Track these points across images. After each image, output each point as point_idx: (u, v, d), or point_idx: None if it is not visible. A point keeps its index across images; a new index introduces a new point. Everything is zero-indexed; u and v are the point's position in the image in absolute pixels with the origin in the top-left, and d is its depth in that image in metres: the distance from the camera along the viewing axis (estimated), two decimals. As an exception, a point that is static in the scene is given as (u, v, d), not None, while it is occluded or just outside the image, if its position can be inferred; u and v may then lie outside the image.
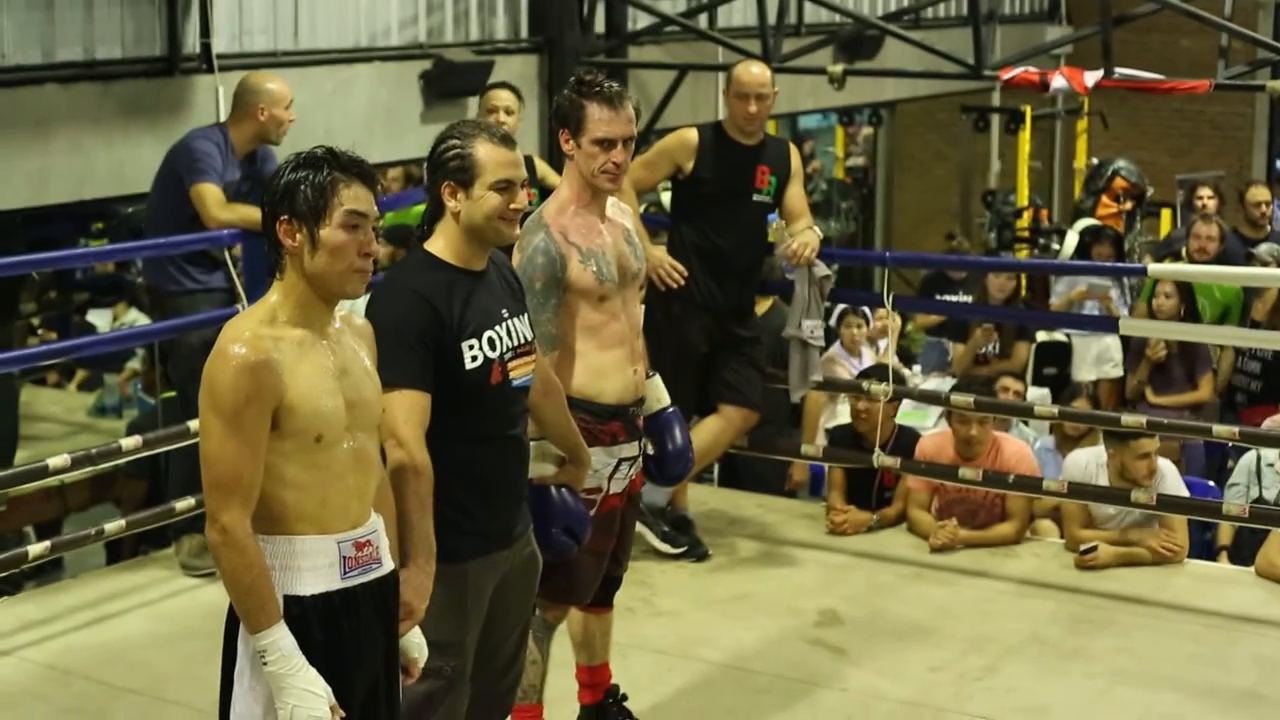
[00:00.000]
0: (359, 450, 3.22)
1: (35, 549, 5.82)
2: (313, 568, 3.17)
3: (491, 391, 3.67)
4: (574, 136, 4.30)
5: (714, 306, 6.23)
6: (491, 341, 3.67)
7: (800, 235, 6.27)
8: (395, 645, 3.37)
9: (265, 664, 3.09)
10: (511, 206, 3.67)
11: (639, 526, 6.20)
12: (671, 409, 4.60)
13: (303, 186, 3.16)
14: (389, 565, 3.32)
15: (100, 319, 10.85)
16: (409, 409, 3.53)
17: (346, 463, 3.20)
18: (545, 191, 6.70)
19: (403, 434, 3.50)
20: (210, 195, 6.11)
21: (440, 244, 3.71)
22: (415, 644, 3.46)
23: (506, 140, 3.72)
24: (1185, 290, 8.30)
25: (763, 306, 7.19)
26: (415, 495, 3.48)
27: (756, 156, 6.24)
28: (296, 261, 3.18)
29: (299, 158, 3.21)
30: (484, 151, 3.67)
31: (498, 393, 3.69)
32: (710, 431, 6.31)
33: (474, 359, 3.64)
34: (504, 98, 6.59)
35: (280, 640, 3.09)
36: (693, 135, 6.23)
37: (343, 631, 3.19)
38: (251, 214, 6.01)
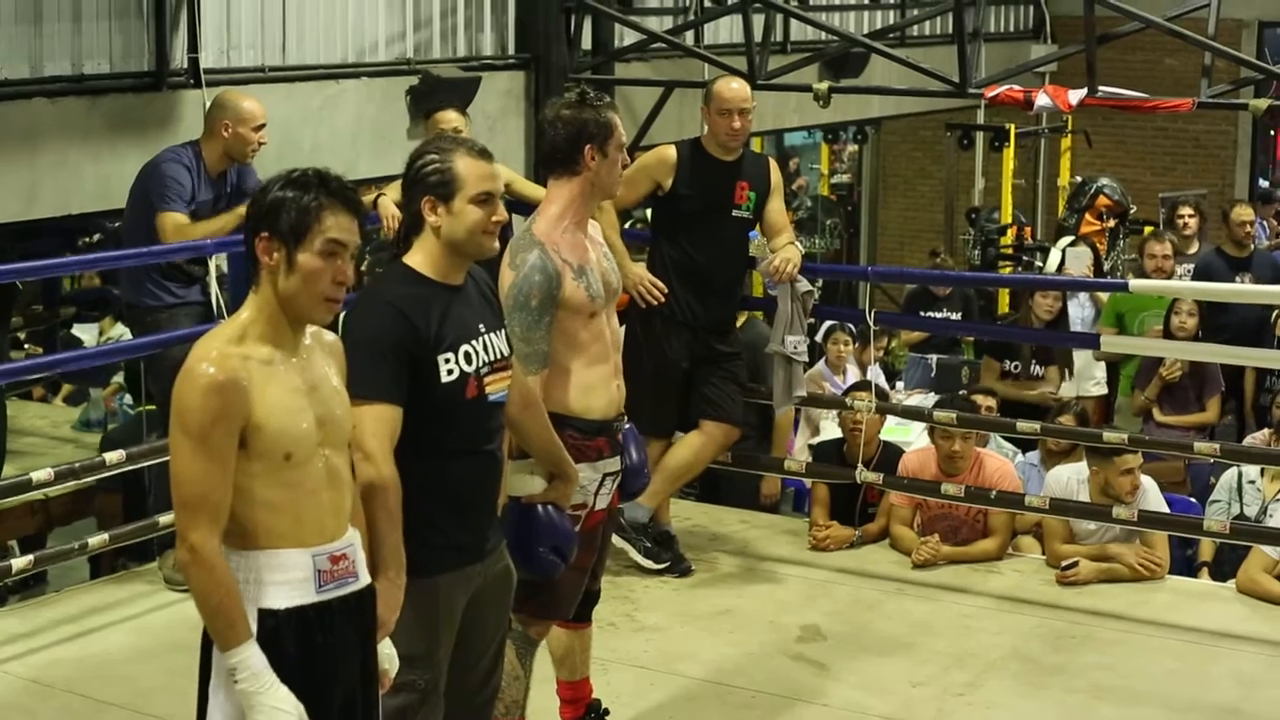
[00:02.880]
0: (331, 467, 3.23)
1: (19, 562, 5.84)
2: (286, 581, 3.17)
3: (466, 406, 3.67)
4: (600, 149, 4.33)
5: (695, 322, 6.26)
6: (468, 356, 3.67)
7: (782, 251, 6.30)
8: (373, 660, 3.37)
9: (236, 682, 3.10)
10: (493, 219, 3.69)
11: (621, 543, 6.22)
12: (629, 425, 4.58)
13: (287, 206, 3.16)
14: (365, 579, 3.33)
15: (86, 333, 10.84)
16: (378, 422, 3.52)
17: (320, 480, 3.20)
18: (512, 200, 6.72)
19: (370, 447, 3.49)
20: (170, 224, 6.13)
21: (419, 258, 3.71)
22: (386, 655, 3.47)
23: (485, 154, 3.73)
24: (1202, 310, 8.34)
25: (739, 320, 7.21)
26: (384, 508, 3.48)
27: (736, 172, 6.25)
28: (271, 279, 3.18)
29: (288, 176, 3.21)
30: (464, 165, 3.68)
31: (473, 407, 3.69)
32: (691, 447, 6.34)
33: (449, 373, 3.63)
34: (451, 119, 6.55)
35: (250, 658, 3.10)
36: (671, 152, 6.24)
37: (317, 645, 3.19)
38: (198, 233, 6.10)
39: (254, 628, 3.13)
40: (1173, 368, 8.32)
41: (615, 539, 6.05)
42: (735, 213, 6.27)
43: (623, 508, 6.10)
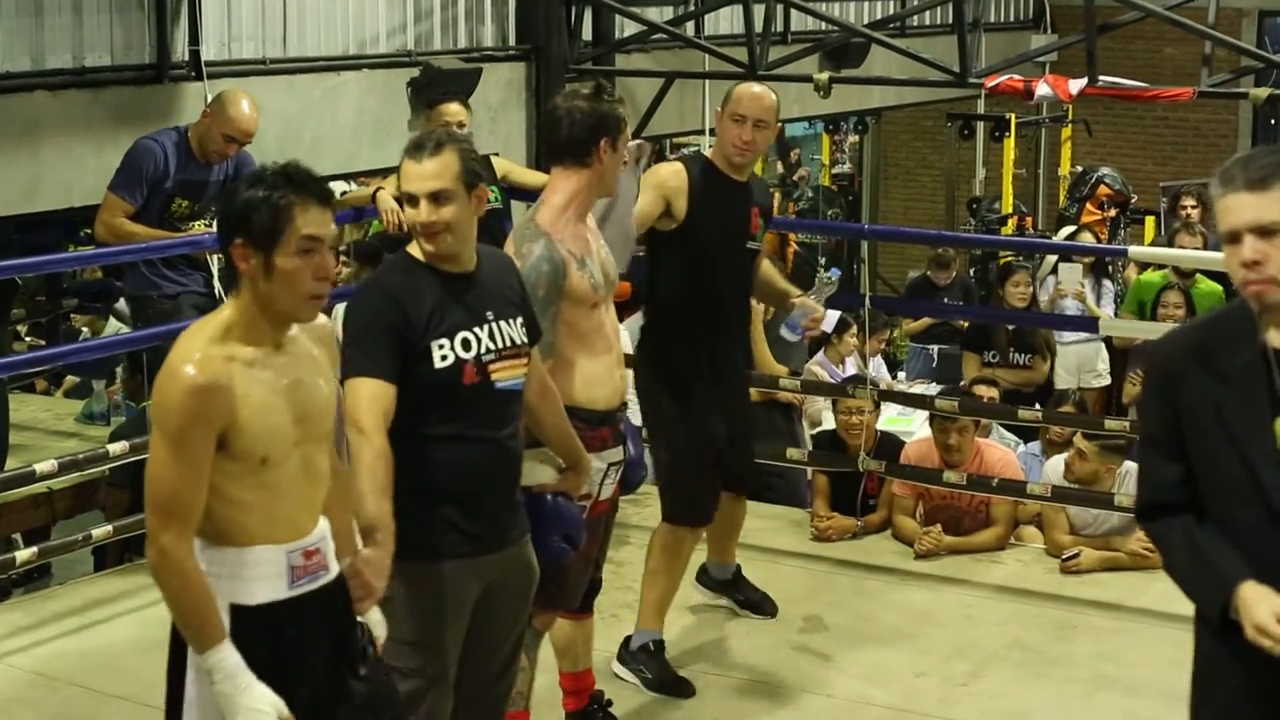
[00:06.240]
0: (307, 464, 3.22)
1: (23, 555, 5.86)
2: (260, 577, 3.17)
3: (467, 392, 3.68)
4: (612, 143, 4.33)
5: (712, 364, 5.33)
6: (466, 342, 3.68)
7: (819, 313, 5.53)
8: (343, 650, 3.33)
9: (213, 683, 3.10)
10: (417, 220, 3.69)
11: (725, 602, 5.95)
12: (626, 419, 4.55)
13: (258, 208, 3.11)
14: (335, 570, 3.32)
15: (88, 326, 10.84)
16: (371, 398, 3.57)
17: (294, 479, 3.19)
18: (511, 189, 6.70)
19: (364, 423, 3.55)
20: (109, 204, 6.24)
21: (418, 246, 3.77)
22: (376, 620, 3.46)
23: (424, 150, 3.69)
24: (1190, 305, 8.33)
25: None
26: (373, 477, 3.50)
27: (748, 198, 5.37)
28: (250, 284, 3.15)
29: (254, 175, 3.19)
30: (405, 166, 3.73)
31: (475, 393, 3.70)
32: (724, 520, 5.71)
33: (444, 359, 3.65)
34: (454, 111, 6.49)
35: (225, 659, 3.09)
36: (681, 170, 5.24)
37: (287, 639, 3.19)
38: (129, 234, 6.20)
39: (226, 622, 3.13)
40: None
41: (725, 602, 5.96)
42: (750, 244, 5.38)
43: (707, 566, 5.88)
